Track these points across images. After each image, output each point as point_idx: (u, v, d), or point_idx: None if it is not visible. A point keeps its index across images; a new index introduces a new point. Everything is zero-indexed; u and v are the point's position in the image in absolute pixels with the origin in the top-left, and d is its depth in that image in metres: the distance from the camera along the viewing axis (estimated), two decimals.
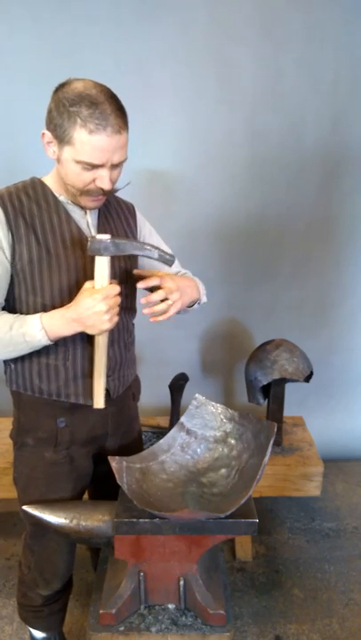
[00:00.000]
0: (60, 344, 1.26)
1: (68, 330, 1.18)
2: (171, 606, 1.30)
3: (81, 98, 1.07)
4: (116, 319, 1.18)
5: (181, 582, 1.26)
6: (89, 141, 1.08)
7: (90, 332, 1.18)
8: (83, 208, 1.27)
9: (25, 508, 1.32)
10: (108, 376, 1.33)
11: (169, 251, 1.49)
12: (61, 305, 1.22)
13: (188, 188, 2.31)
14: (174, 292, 1.22)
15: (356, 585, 2.00)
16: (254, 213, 2.38)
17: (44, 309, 1.22)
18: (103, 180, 1.15)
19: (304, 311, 2.57)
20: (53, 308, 1.22)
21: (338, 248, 2.49)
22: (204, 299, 1.47)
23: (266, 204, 2.37)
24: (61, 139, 1.12)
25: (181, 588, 1.26)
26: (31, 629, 1.60)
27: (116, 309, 1.17)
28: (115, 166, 1.16)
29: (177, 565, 1.24)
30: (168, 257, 1.21)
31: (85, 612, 1.87)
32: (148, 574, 1.26)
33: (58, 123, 1.10)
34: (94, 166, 1.13)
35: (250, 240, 2.42)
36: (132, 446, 1.52)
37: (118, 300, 1.17)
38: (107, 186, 1.16)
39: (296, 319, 2.55)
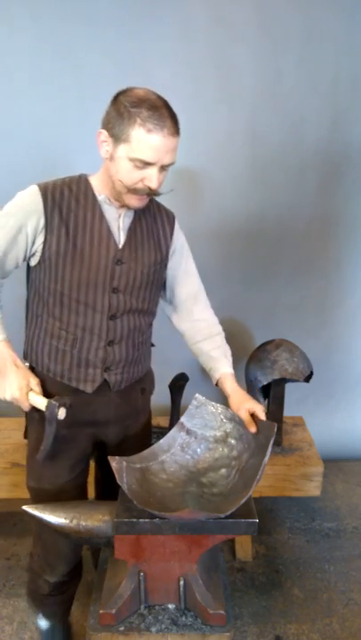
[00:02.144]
0: (70, 331, 1.33)
1: None
2: (171, 606, 1.29)
3: (142, 101, 1.16)
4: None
5: (181, 582, 1.26)
6: (146, 139, 1.16)
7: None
8: (122, 207, 1.32)
9: (25, 508, 1.32)
10: (110, 370, 1.38)
11: (196, 277, 1.54)
12: (77, 297, 1.30)
13: (188, 188, 2.31)
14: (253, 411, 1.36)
15: (356, 585, 2.00)
16: (254, 213, 2.38)
17: (62, 298, 1.31)
18: (152, 179, 1.21)
19: (304, 311, 2.57)
20: (70, 299, 1.30)
21: (338, 248, 2.49)
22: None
23: (266, 204, 2.37)
24: (118, 137, 1.18)
25: (181, 588, 1.26)
26: (38, 618, 1.66)
27: (14, 401, 1.30)
28: (163, 168, 1.23)
29: (177, 565, 1.24)
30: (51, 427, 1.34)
31: (85, 612, 1.87)
32: (148, 574, 1.26)
33: (117, 122, 1.18)
34: (146, 164, 1.19)
35: (250, 240, 2.42)
36: (137, 438, 1.53)
37: (21, 404, 1.30)
38: (154, 185, 1.21)
39: (296, 319, 2.55)
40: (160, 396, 2.22)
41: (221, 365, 1.46)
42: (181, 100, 2.20)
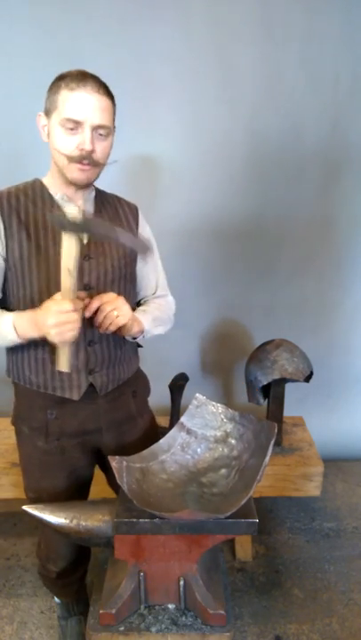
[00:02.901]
0: None
1: (33, 332, 1.20)
2: (171, 606, 1.29)
3: (68, 73, 1.21)
4: (68, 335, 1.15)
5: (181, 582, 1.26)
6: (70, 97, 1.18)
7: (49, 339, 1.17)
8: (78, 189, 1.30)
9: (25, 508, 1.32)
10: (95, 372, 1.36)
11: (162, 279, 1.53)
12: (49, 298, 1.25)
13: (188, 187, 2.31)
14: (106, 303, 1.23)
15: (357, 585, 2.00)
16: (254, 213, 2.38)
17: (33, 302, 1.27)
18: (85, 140, 1.20)
19: (304, 311, 2.57)
20: (41, 301, 1.24)
21: (338, 248, 2.49)
22: (155, 331, 1.44)
23: (266, 204, 2.37)
24: (49, 110, 1.23)
25: (181, 588, 1.26)
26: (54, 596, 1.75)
27: (69, 326, 1.14)
28: (98, 133, 1.22)
29: (177, 565, 1.24)
30: (141, 244, 1.20)
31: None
32: (148, 574, 1.26)
33: (48, 98, 1.23)
34: (75, 123, 1.19)
35: (249, 240, 2.42)
36: (139, 443, 1.49)
37: (72, 316, 1.13)
38: (87, 146, 1.20)
39: (296, 319, 2.55)
40: (160, 396, 2.23)
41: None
42: (181, 100, 2.21)
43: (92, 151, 1.21)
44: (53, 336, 1.15)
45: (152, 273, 1.51)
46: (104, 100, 1.21)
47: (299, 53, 2.16)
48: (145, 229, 1.47)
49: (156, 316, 1.46)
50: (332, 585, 2.00)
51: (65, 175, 1.26)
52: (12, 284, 1.29)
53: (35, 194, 1.30)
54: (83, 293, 1.24)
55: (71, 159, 1.22)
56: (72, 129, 1.19)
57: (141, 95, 2.15)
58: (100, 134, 1.22)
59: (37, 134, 2.11)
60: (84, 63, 2.06)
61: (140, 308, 1.47)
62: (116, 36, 2.08)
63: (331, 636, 1.79)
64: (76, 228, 1.11)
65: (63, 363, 1.21)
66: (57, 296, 1.17)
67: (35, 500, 1.46)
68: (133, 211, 1.45)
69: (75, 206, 1.14)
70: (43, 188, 1.31)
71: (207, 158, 2.27)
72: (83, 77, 1.19)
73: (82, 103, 1.18)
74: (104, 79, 1.23)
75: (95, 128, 1.20)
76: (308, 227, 2.43)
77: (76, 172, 1.24)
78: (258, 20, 2.11)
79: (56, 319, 1.12)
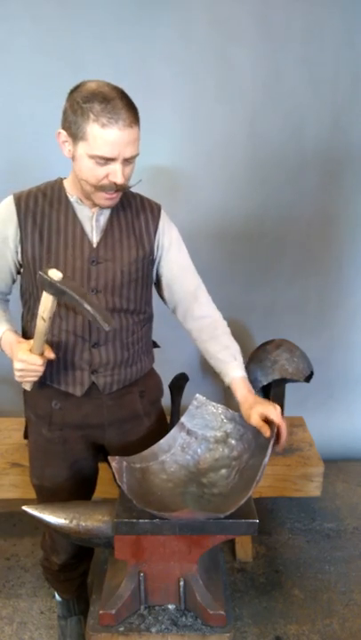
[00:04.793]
0: (55, 334, 1.32)
1: (8, 354, 1.30)
2: (171, 607, 1.29)
3: (94, 95, 1.12)
4: (28, 380, 1.26)
5: (181, 582, 1.26)
6: (101, 135, 1.13)
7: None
8: (94, 206, 1.30)
9: (25, 508, 1.32)
10: (98, 372, 1.37)
11: (193, 272, 1.46)
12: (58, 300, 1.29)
13: (188, 188, 2.31)
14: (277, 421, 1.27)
15: (357, 585, 2.00)
16: (255, 213, 2.38)
17: None
18: (116, 174, 1.18)
19: (304, 311, 2.57)
20: None
21: (338, 248, 2.49)
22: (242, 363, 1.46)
23: (266, 204, 2.37)
24: (75, 135, 1.16)
25: (181, 589, 1.26)
26: (55, 593, 1.75)
27: (32, 374, 1.23)
28: (127, 161, 1.20)
29: (177, 566, 1.24)
30: (102, 322, 1.15)
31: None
32: (148, 574, 1.25)
33: (72, 120, 1.15)
34: (107, 160, 1.16)
35: (250, 240, 2.42)
36: (143, 443, 1.46)
37: (36, 369, 1.21)
38: (119, 180, 1.19)
39: (296, 319, 2.55)
40: None
41: (230, 369, 1.40)
42: (181, 100, 2.21)
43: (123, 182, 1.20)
44: (16, 377, 1.24)
45: (188, 269, 1.46)
46: (134, 132, 1.17)
47: (299, 53, 2.16)
48: (168, 232, 1.41)
49: (236, 349, 1.45)
50: (332, 585, 2.00)
51: (91, 199, 1.26)
52: (26, 280, 1.34)
53: (53, 194, 1.31)
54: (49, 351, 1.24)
55: (101, 189, 1.21)
56: (103, 163, 1.17)
57: (141, 95, 2.13)
58: (129, 162, 1.21)
59: (37, 135, 2.12)
60: (84, 64, 2.07)
61: (225, 352, 1.43)
62: (115, 37, 2.08)
63: (331, 637, 1.79)
64: (51, 290, 1.14)
65: (26, 385, 1.33)
66: (33, 341, 1.21)
67: (38, 486, 1.50)
68: (155, 214, 1.39)
69: (58, 272, 1.13)
70: (61, 188, 1.32)
71: (207, 159, 2.27)
72: (114, 109, 1.11)
73: (115, 142, 1.13)
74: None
75: (126, 159, 1.19)
76: (309, 227, 2.43)
77: (103, 200, 1.24)
78: (258, 20, 2.11)
79: (21, 366, 1.21)
